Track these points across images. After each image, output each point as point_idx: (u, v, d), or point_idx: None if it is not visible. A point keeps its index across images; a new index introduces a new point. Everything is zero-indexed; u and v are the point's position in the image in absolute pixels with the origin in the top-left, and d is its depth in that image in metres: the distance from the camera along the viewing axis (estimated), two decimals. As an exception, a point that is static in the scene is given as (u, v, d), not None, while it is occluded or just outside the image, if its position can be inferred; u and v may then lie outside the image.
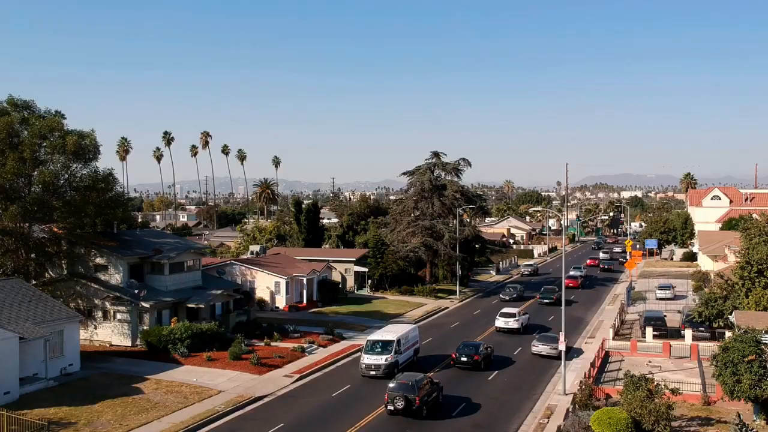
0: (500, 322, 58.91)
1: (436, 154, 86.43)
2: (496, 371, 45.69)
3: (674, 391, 32.87)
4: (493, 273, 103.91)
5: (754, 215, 62.32)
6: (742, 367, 32.42)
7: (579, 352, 51.68)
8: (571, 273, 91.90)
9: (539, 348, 50.14)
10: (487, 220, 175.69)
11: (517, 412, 37.20)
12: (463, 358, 46.26)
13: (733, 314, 45.07)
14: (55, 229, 51.01)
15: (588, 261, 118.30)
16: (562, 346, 41.04)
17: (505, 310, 61.06)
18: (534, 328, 60.08)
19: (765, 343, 33.57)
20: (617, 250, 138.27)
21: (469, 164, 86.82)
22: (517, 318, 58.76)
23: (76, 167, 51.05)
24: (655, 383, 32.34)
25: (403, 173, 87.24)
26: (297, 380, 43.21)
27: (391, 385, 36.51)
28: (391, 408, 35.67)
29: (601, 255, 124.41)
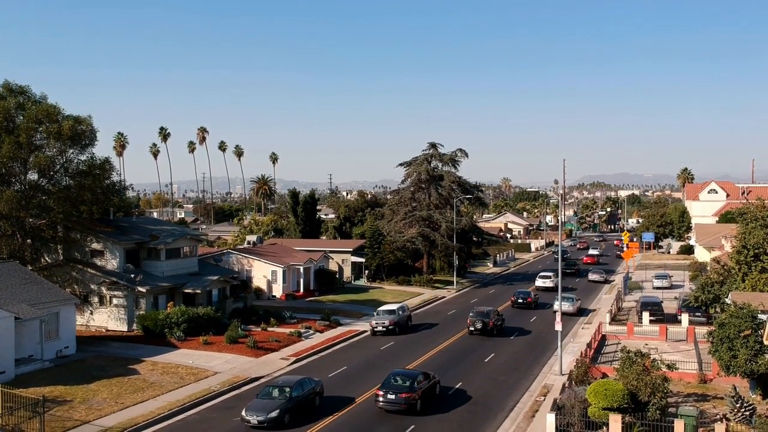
0: (539, 282, 77.24)
1: (433, 145, 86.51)
2: (541, 310, 62.89)
3: (670, 367, 32.95)
4: (490, 265, 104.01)
5: (752, 201, 62.48)
6: (738, 342, 32.48)
7: (575, 336, 51.91)
8: (590, 252, 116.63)
9: (594, 276, 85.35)
10: (485, 216, 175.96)
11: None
12: (520, 300, 65.43)
13: (730, 295, 45.15)
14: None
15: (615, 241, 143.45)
16: (558, 327, 41.09)
17: (542, 273, 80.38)
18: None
19: (761, 321, 33.63)
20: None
21: (466, 155, 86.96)
22: (552, 279, 76.92)
23: (73, 153, 51.08)
24: (652, 358, 32.38)
25: (400, 164, 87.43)
26: (293, 363, 43.17)
27: (471, 314, 52.70)
28: (472, 329, 51.35)
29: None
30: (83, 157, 51.63)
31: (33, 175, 50.06)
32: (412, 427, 30.83)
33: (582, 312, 62.84)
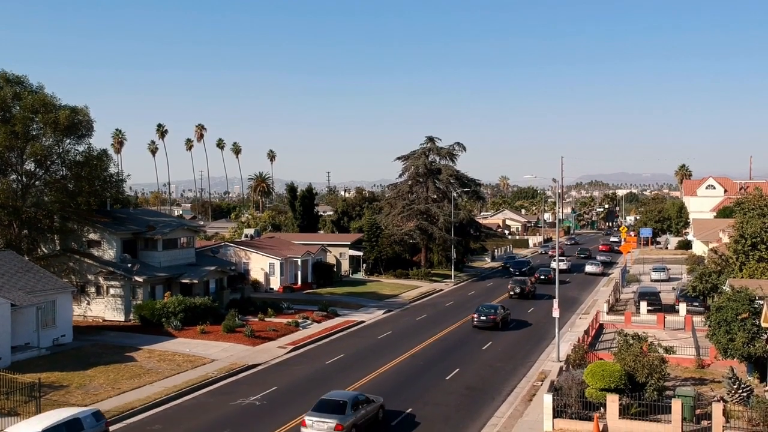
0: (554, 265, 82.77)
1: (430, 139, 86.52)
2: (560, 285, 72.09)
3: (668, 350, 32.85)
4: (488, 260, 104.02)
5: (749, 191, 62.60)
6: (736, 325, 32.47)
7: (573, 326, 51.87)
8: (608, 241, 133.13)
9: (602, 258, 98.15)
10: (483, 213, 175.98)
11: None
12: (542, 277, 76.69)
13: (727, 282, 45.13)
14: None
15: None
16: (556, 313, 41.10)
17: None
18: (576, 270, 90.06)
19: (759, 304, 33.59)
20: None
21: (464, 149, 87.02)
22: (566, 262, 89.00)
23: (69, 143, 50.96)
24: (649, 342, 32.36)
25: (398, 158, 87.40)
26: (291, 351, 43.10)
27: (511, 281, 67.04)
28: (512, 293, 64.69)
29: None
30: (80, 148, 51.60)
31: (29, 165, 49.96)
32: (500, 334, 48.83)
33: (605, 273, 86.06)
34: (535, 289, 67.59)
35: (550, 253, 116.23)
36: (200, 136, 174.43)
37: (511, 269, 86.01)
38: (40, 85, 50.93)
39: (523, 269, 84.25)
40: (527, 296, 64.59)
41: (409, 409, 30.77)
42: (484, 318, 49.90)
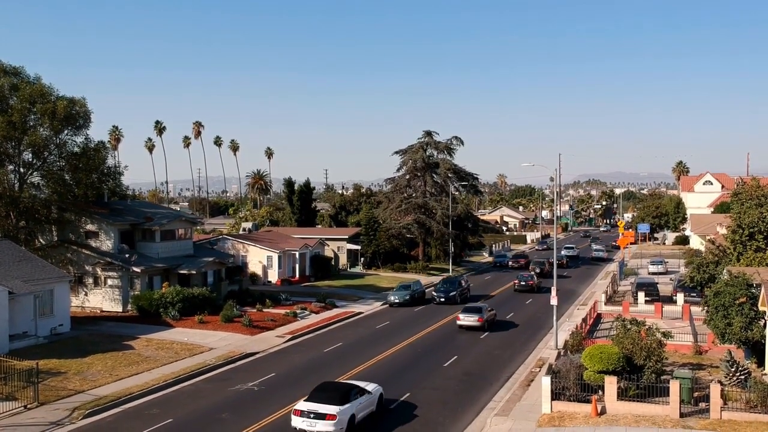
0: (564, 252, 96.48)
1: (428, 133, 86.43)
2: (571, 269, 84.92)
3: (666, 335, 32.86)
4: (486, 255, 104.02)
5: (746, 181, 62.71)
6: (734, 310, 32.54)
7: (571, 317, 51.94)
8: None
9: (599, 246, 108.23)
10: (481, 210, 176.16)
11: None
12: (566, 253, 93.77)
13: (725, 269, 45.23)
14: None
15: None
16: (554, 301, 41.15)
17: (567, 246, 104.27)
18: (583, 260, 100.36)
19: (756, 290, 33.64)
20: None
21: (462, 143, 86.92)
22: (575, 249, 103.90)
23: (67, 134, 50.89)
24: (647, 326, 32.40)
25: (396, 152, 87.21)
26: (289, 340, 43.14)
27: (532, 263, 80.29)
28: (532, 273, 71.65)
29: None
30: (78, 139, 51.58)
31: (27, 156, 49.90)
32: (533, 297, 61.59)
33: (609, 260, 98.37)
34: (550, 270, 76.80)
35: (511, 263, 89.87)
36: (198, 134, 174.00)
37: (435, 295, 59.23)
38: (37, 76, 50.92)
39: (451, 293, 58.61)
40: (546, 275, 75.18)
41: (407, 394, 30.79)
42: (523, 284, 65.69)
